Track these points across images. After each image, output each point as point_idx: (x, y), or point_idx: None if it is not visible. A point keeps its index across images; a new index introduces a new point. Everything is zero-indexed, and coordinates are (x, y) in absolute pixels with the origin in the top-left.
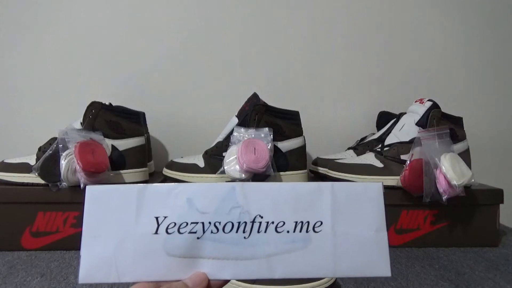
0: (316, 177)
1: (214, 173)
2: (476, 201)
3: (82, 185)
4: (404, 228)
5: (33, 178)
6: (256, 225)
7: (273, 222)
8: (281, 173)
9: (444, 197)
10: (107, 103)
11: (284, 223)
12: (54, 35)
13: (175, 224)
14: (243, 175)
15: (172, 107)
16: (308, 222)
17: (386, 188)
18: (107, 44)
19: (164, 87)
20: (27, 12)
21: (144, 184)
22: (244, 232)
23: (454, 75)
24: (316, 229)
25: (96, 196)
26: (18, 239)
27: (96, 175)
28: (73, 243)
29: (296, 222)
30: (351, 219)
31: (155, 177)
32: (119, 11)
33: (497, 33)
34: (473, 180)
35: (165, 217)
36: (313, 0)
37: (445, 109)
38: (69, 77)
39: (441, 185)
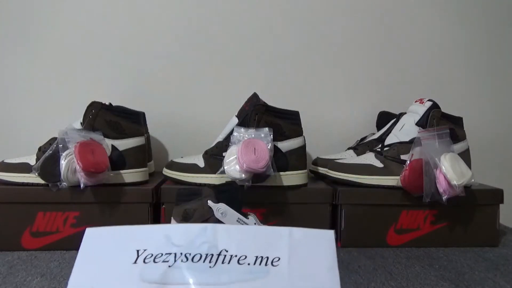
0: (316, 177)
1: (214, 173)
2: (476, 201)
3: (82, 185)
4: (404, 228)
5: (33, 178)
6: (221, 257)
7: (236, 256)
8: (281, 173)
9: (444, 197)
10: (107, 103)
11: (246, 256)
12: (54, 35)
13: (152, 255)
14: (243, 175)
15: (172, 107)
16: (267, 257)
17: (386, 188)
18: (107, 44)
19: (164, 87)
20: (27, 12)
21: (136, 226)
22: (210, 262)
23: (454, 75)
24: (274, 264)
25: (94, 237)
26: (18, 239)
27: (96, 175)
28: (73, 243)
29: (257, 257)
30: (306, 258)
31: (155, 177)
32: (119, 11)
33: (497, 33)
34: (473, 180)
35: (145, 250)
36: (313, 0)
37: (445, 109)
38: (69, 77)
39: (441, 185)
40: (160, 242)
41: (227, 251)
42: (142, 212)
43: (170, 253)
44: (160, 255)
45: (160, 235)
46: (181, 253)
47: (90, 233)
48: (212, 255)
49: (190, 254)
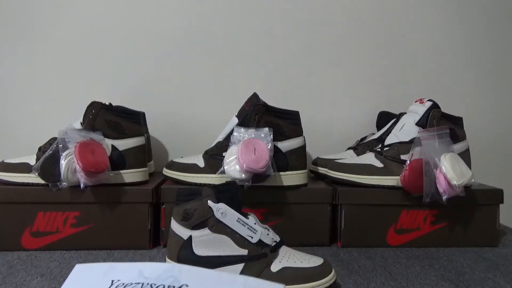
0: (316, 177)
1: (214, 173)
2: (476, 201)
3: (82, 185)
4: (404, 228)
5: (33, 178)
6: None
7: None
8: (281, 173)
9: (444, 197)
10: (107, 103)
11: None
12: (54, 35)
13: (123, 284)
14: (243, 175)
15: (172, 107)
16: None
17: (386, 188)
18: (108, 44)
19: (164, 87)
20: (27, 12)
21: (118, 263)
22: None
23: (454, 75)
24: None
25: (80, 272)
26: (18, 239)
27: (96, 175)
28: (73, 243)
29: None
30: None
31: (155, 177)
32: (119, 11)
33: (497, 33)
34: (473, 180)
35: (119, 280)
36: (313, 0)
37: (445, 109)
38: (69, 77)
39: (441, 185)
40: (133, 274)
41: (187, 286)
42: (142, 212)
43: (138, 283)
44: (130, 284)
45: (135, 270)
46: (148, 283)
47: (79, 268)
48: (174, 286)
49: (155, 284)
